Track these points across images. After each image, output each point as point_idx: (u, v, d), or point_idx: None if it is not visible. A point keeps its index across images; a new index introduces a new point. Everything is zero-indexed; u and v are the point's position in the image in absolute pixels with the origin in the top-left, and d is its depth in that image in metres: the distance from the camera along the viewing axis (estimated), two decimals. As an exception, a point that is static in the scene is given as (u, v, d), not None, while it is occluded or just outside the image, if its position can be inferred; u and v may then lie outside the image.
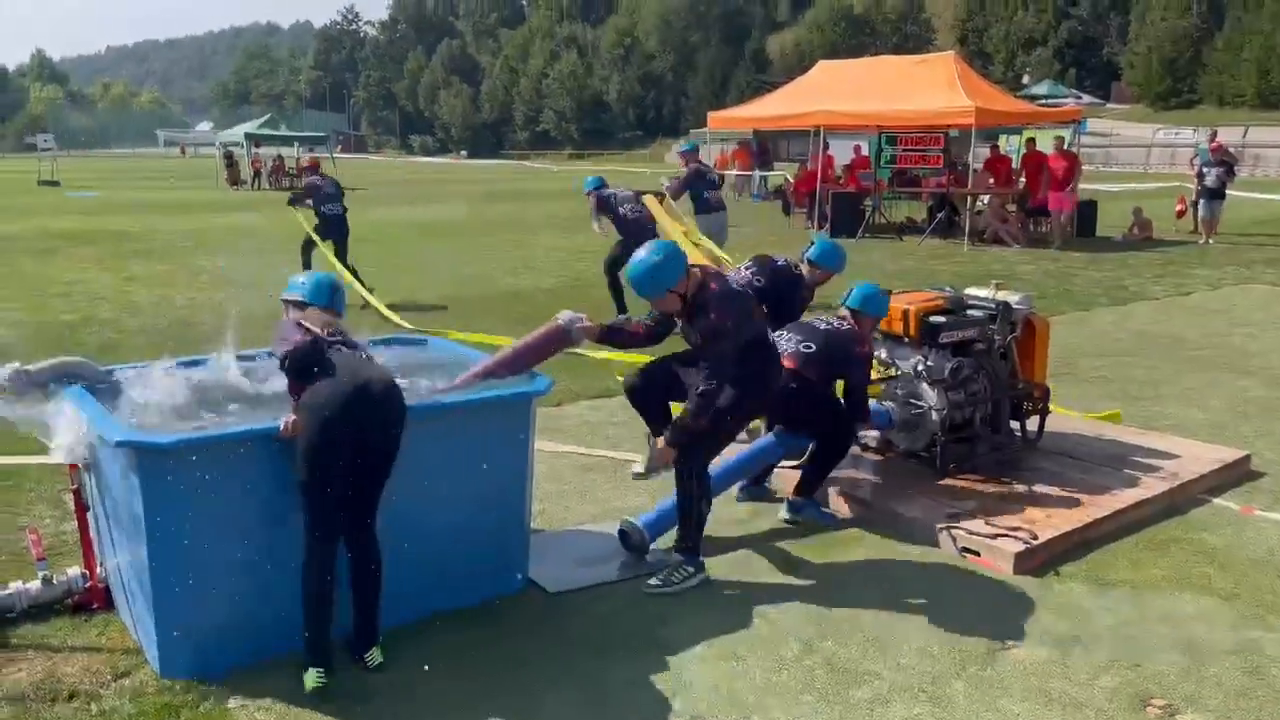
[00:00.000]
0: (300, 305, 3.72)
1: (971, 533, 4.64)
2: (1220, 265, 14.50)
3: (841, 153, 22.42)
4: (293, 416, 3.43)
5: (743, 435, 4.85)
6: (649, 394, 4.72)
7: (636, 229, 9.40)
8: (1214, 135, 19.30)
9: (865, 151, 21.21)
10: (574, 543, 4.77)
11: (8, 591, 3.94)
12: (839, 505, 5.16)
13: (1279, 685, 3.57)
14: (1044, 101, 38.99)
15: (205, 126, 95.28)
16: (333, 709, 3.38)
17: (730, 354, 4.20)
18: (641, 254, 4.28)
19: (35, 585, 3.96)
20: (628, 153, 72.00)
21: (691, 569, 4.30)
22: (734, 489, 5.18)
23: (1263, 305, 11.32)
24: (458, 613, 3.98)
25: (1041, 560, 4.51)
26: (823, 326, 5.12)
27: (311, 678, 3.43)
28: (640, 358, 5.29)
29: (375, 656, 3.62)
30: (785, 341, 5.06)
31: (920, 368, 5.40)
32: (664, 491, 4.64)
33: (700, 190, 10.75)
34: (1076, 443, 5.94)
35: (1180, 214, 19.30)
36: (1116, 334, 9.73)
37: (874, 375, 5.42)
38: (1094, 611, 4.10)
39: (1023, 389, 5.78)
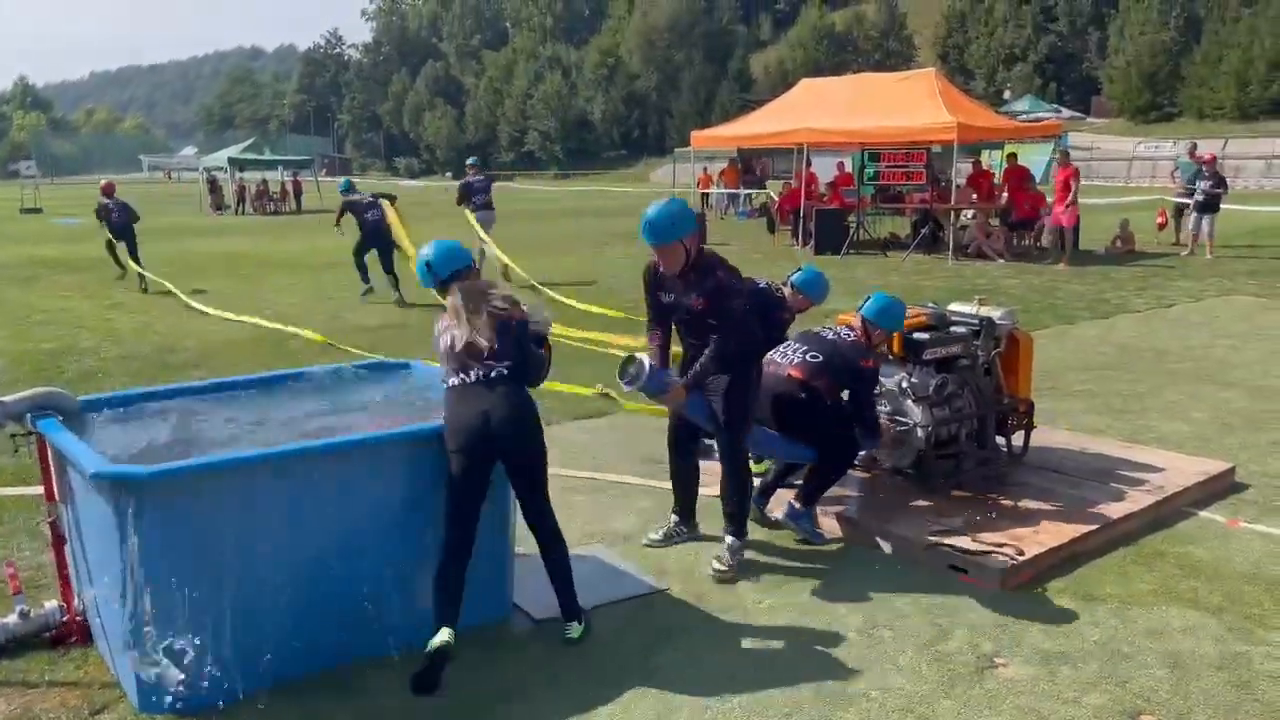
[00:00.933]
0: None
1: (958, 549, 4.62)
2: (1202, 277, 14.59)
3: (825, 170, 22.55)
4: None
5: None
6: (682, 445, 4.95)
7: (374, 229, 12.80)
8: (1194, 148, 19.45)
9: (848, 168, 21.31)
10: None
11: (-16, 627, 3.88)
12: (825, 522, 5.13)
13: (1268, 699, 3.56)
14: (1025, 116, 39.24)
15: (189, 151, 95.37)
16: (315, 740, 3.33)
17: (740, 310, 4.48)
18: (660, 202, 4.50)
19: (12, 619, 3.91)
20: (613, 172, 72.08)
21: (741, 544, 4.68)
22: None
23: (1245, 316, 11.38)
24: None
25: (1028, 576, 4.50)
26: (829, 336, 5.12)
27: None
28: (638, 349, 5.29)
29: (573, 630, 3.98)
30: (792, 351, 5.07)
31: (905, 384, 5.40)
32: (650, 515, 4.57)
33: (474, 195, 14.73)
34: (1062, 457, 5.94)
35: (1161, 226, 19.46)
36: (1100, 347, 9.77)
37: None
38: (1082, 627, 4.09)
39: (1008, 404, 5.79)
